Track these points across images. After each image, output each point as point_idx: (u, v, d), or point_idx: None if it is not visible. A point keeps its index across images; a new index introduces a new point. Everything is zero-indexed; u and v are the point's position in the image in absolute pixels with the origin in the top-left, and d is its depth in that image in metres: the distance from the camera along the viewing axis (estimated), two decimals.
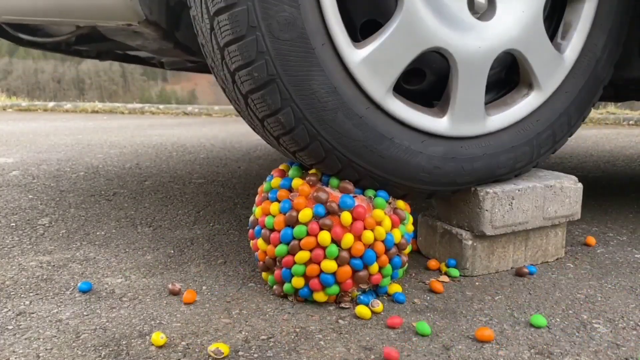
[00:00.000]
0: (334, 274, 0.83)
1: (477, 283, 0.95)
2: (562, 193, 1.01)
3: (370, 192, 0.88)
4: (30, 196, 1.57)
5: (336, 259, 0.82)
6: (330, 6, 0.79)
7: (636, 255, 1.11)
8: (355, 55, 0.82)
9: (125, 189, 1.69)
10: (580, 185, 1.04)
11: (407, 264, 0.92)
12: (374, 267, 0.84)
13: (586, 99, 1.02)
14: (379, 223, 0.84)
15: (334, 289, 0.83)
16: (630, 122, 4.17)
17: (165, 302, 0.86)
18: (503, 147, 0.96)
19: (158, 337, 0.72)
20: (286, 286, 0.85)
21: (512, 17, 0.91)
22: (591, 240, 1.15)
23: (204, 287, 0.92)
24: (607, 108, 4.64)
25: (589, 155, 2.52)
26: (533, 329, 0.78)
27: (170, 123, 4.30)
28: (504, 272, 1.00)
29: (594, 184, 1.83)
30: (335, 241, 0.82)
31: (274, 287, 0.89)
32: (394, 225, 0.86)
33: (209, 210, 1.44)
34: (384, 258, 0.84)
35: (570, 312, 0.85)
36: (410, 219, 0.92)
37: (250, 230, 0.92)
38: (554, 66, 0.97)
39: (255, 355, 0.71)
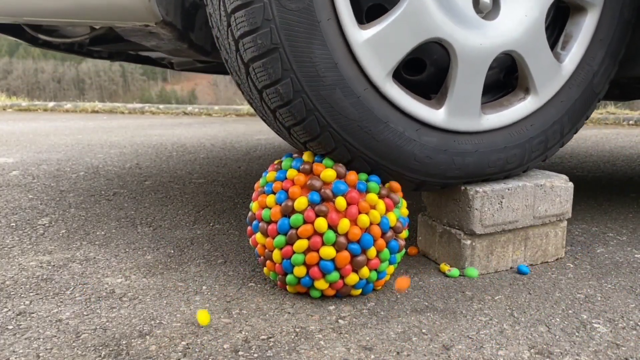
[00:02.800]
0: (333, 260, 0.83)
1: (477, 283, 0.95)
2: (553, 192, 1.01)
3: (363, 177, 0.89)
4: (30, 196, 1.57)
5: (334, 245, 0.83)
6: None
7: (636, 255, 1.11)
8: (359, 35, 0.83)
9: (125, 189, 1.69)
10: (570, 184, 1.04)
11: (404, 249, 0.92)
12: (372, 251, 0.85)
13: (580, 110, 1.04)
14: (373, 207, 0.85)
15: (334, 275, 0.84)
16: (630, 122, 4.17)
17: (165, 302, 0.86)
18: (495, 146, 0.97)
19: (204, 315, 0.73)
20: (289, 277, 0.86)
21: (514, 20, 0.93)
22: (445, 267, 0.98)
23: (204, 287, 0.92)
24: (607, 108, 4.64)
25: (589, 155, 2.52)
26: (533, 329, 0.78)
27: (170, 123, 4.30)
28: (504, 272, 1.00)
29: (594, 184, 1.83)
30: (332, 227, 0.83)
31: (277, 279, 0.89)
32: (388, 209, 0.87)
33: (209, 210, 1.44)
34: (381, 242, 0.85)
35: (570, 312, 0.85)
36: (404, 202, 0.92)
37: (249, 227, 0.92)
38: (551, 74, 0.98)
39: (255, 355, 0.71)
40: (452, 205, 0.98)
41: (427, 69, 0.94)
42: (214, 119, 4.91)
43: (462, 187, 0.96)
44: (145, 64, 1.81)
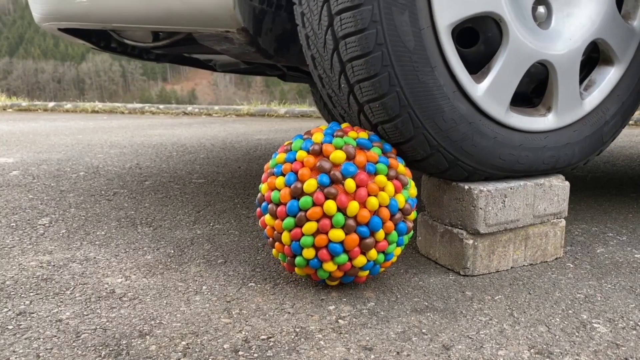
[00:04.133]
0: (342, 242, 0.84)
1: (477, 283, 0.95)
2: (551, 191, 1.02)
3: (376, 150, 0.89)
4: (30, 196, 1.57)
5: (343, 227, 0.83)
6: None
7: (636, 255, 1.11)
8: None
9: (125, 188, 1.69)
10: (567, 183, 1.05)
11: (412, 231, 0.92)
12: (380, 234, 0.85)
13: (588, 148, 1.10)
14: (382, 189, 0.85)
15: (343, 257, 0.84)
16: (630, 122, 4.17)
17: (165, 302, 0.86)
18: (512, 142, 0.99)
19: None
20: (298, 259, 0.86)
21: (560, 37, 1.01)
22: None
23: (204, 287, 0.92)
24: None
25: None
26: (533, 329, 0.79)
27: (170, 123, 4.31)
28: (504, 272, 1.00)
29: (593, 184, 1.83)
30: (341, 210, 0.83)
31: (285, 263, 0.90)
32: (397, 191, 0.87)
33: (209, 210, 1.44)
34: (389, 224, 0.85)
35: (570, 311, 0.85)
36: (412, 184, 0.92)
37: (258, 209, 0.93)
38: (573, 103, 1.06)
39: (255, 355, 0.71)
40: (455, 205, 0.98)
41: (478, 45, 0.97)
42: (214, 119, 4.92)
43: (466, 187, 0.96)
44: (190, 66, 1.90)
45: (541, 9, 1.00)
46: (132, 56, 1.70)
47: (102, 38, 1.52)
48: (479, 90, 0.94)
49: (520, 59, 0.96)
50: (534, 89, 1.08)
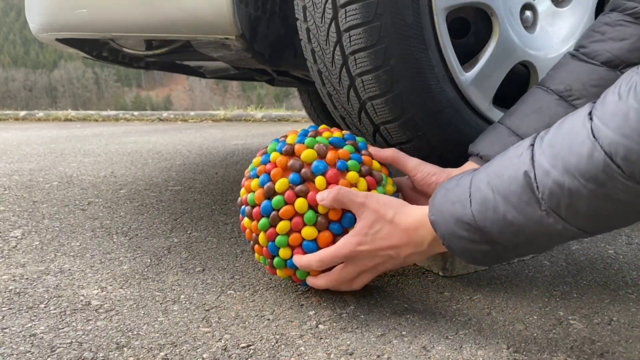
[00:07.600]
0: (315, 240, 0.84)
1: (455, 283, 0.96)
2: None
3: (348, 148, 0.89)
4: (1, 208, 1.54)
5: (315, 225, 0.83)
6: None
7: (609, 251, 1.13)
8: None
9: (100, 198, 1.67)
10: None
11: None
12: None
13: None
14: (354, 185, 0.85)
15: None
16: None
17: (142, 312, 0.85)
18: None
19: None
20: (276, 260, 0.87)
21: (544, 44, 1.07)
22: None
23: (182, 296, 0.91)
24: None
25: None
26: (511, 328, 0.79)
27: (145, 129, 4.26)
28: (482, 272, 1.01)
29: None
30: (313, 207, 0.84)
31: (267, 266, 0.90)
32: (370, 187, 0.87)
33: (186, 217, 1.42)
34: None
35: (547, 309, 0.86)
36: (390, 180, 0.92)
37: (240, 214, 0.93)
38: None
39: None
40: None
41: (468, 36, 1.01)
42: (190, 125, 4.88)
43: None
44: (179, 72, 1.93)
45: (528, 13, 1.06)
46: (122, 64, 1.72)
47: (94, 47, 1.55)
48: (467, 79, 0.97)
49: (507, 54, 1.00)
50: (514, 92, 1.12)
